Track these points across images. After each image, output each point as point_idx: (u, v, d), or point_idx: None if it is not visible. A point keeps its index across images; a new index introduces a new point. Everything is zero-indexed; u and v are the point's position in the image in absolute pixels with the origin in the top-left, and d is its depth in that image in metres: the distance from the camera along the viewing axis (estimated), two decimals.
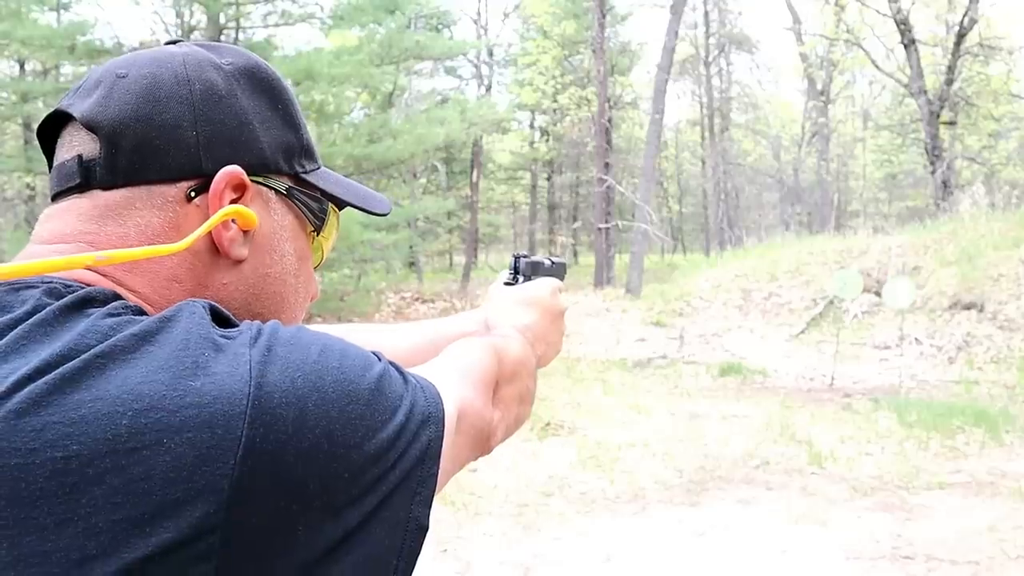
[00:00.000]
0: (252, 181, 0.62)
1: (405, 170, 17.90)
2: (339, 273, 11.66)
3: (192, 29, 13.92)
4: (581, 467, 5.92)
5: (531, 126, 31.28)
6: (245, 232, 0.62)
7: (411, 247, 15.42)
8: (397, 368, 0.59)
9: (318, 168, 0.70)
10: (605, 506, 5.18)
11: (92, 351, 0.49)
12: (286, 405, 0.49)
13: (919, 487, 5.43)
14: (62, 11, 14.11)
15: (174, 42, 0.67)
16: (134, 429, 0.46)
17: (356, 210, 0.74)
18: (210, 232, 0.60)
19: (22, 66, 17.87)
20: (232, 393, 0.48)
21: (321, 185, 0.68)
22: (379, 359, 0.57)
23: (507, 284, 1.00)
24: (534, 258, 1.04)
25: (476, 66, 29.39)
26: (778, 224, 28.64)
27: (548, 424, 6.92)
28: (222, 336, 0.52)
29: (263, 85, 0.66)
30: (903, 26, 18.76)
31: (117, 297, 0.57)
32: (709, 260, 19.51)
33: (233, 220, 0.61)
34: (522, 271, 1.02)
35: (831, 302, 12.01)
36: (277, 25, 12.32)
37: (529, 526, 4.82)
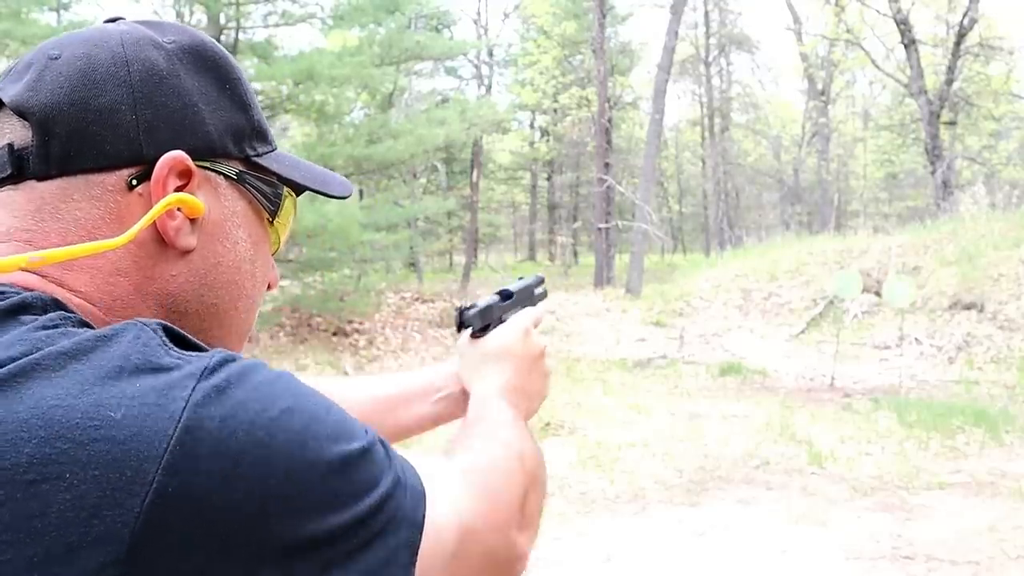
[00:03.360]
0: (198, 166, 0.58)
1: (405, 170, 17.89)
2: (339, 273, 11.64)
3: None
4: (581, 467, 5.92)
5: (531, 126, 31.28)
6: (192, 220, 0.58)
7: (411, 247, 15.41)
8: (389, 454, 0.53)
9: (272, 151, 0.65)
10: (605, 506, 5.18)
11: (10, 367, 0.45)
12: (216, 456, 0.43)
13: (919, 487, 5.43)
14: (62, 11, 14.11)
15: (113, 20, 0.62)
16: (36, 459, 0.41)
17: (317, 194, 0.69)
18: (154, 222, 0.56)
19: None
20: (154, 431, 0.43)
21: (275, 168, 0.64)
22: (366, 435, 0.51)
23: (474, 336, 0.90)
24: (481, 304, 0.91)
25: (476, 66, 29.40)
26: (778, 224, 28.65)
27: (548, 424, 6.92)
28: (170, 361, 0.47)
29: (209, 64, 0.61)
30: (903, 26, 18.76)
31: (57, 305, 0.52)
32: (709, 260, 19.52)
33: (178, 209, 0.57)
34: (472, 323, 0.90)
35: (831, 302, 12.01)
36: (278, 25, 12.32)
37: None
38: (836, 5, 21.35)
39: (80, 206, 0.55)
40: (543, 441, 6.58)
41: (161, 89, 0.57)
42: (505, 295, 0.96)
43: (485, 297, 0.94)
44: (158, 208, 0.55)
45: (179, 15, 14.56)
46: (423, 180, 24.51)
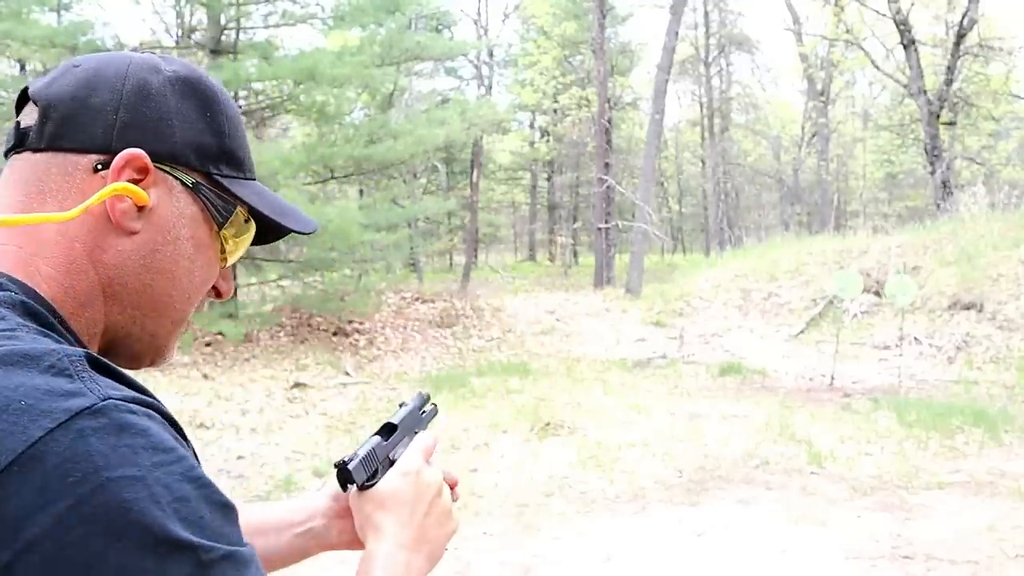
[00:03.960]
0: (157, 167, 0.69)
1: (405, 170, 17.89)
2: (339, 273, 11.64)
3: (193, 29, 13.92)
4: (581, 467, 5.92)
5: (531, 126, 31.29)
6: (141, 209, 0.68)
7: (411, 247, 15.41)
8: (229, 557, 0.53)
9: (242, 178, 0.76)
10: (605, 506, 5.19)
11: None
12: (40, 491, 0.48)
13: (919, 487, 5.44)
14: (63, 11, 14.10)
15: (136, 50, 0.78)
16: None
17: (274, 229, 0.79)
18: (105, 203, 0.67)
19: (22, 66, 17.88)
20: (5, 445, 0.49)
21: (235, 189, 0.74)
22: (221, 542, 0.53)
23: (362, 488, 0.84)
24: (362, 452, 0.85)
25: (476, 67, 29.41)
26: (778, 224, 28.65)
27: (548, 424, 6.93)
28: (71, 386, 0.53)
29: (197, 94, 0.73)
30: (903, 26, 18.76)
31: (23, 303, 0.61)
32: (709, 260, 19.52)
33: (128, 196, 0.67)
34: (356, 477, 0.83)
35: (831, 302, 12.02)
36: (278, 26, 12.32)
37: (529, 526, 4.82)
38: (836, 5, 21.35)
39: (55, 179, 0.67)
40: (543, 441, 6.59)
41: (145, 102, 0.70)
42: (388, 430, 0.90)
43: (366, 442, 0.87)
44: (103, 192, 0.66)
45: (179, 15, 14.55)
46: (423, 180, 24.51)
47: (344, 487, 0.84)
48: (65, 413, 0.50)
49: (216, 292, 0.79)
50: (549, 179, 31.78)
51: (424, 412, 0.99)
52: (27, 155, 0.68)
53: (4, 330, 0.57)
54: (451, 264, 26.66)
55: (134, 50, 0.78)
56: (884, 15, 20.34)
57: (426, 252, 20.68)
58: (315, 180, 12.11)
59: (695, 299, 13.54)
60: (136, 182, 0.68)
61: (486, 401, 7.99)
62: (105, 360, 0.58)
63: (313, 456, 6.33)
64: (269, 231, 0.80)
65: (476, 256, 23.98)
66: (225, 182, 0.74)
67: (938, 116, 18.76)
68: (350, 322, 11.31)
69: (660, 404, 8.00)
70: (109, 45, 10.49)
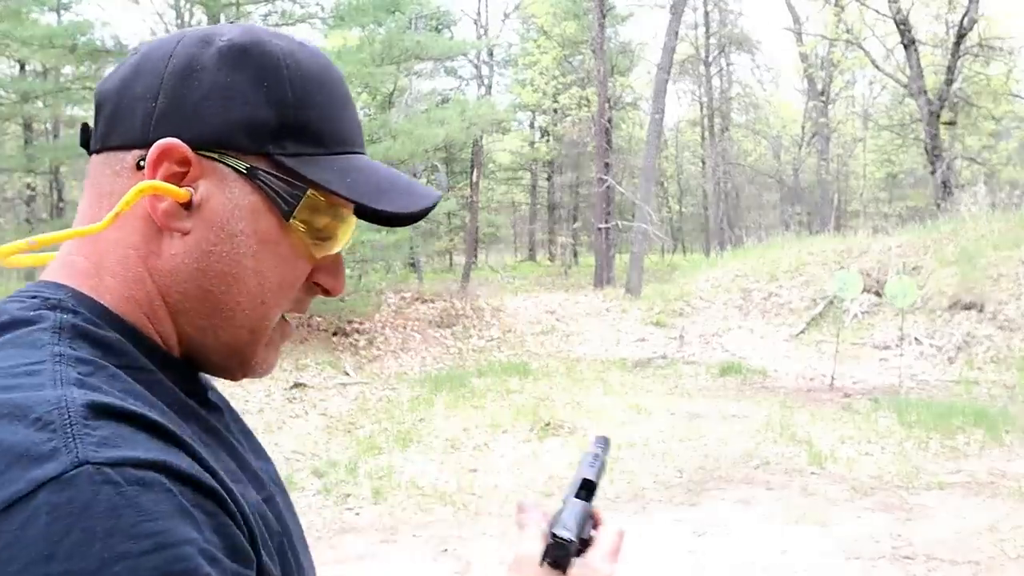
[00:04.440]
0: (202, 155, 0.60)
1: (405, 170, 17.91)
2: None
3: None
4: None
5: (531, 126, 31.29)
6: (188, 206, 0.60)
7: (411, 247, 15.41)
8: None
9: (322, 153, 0.64)
10: (605, 506, 5.17)
11: None
12: None
13: (919, 487, 5.43)
14: (62, 11, 14.11)
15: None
16: None
17: (365, 214, 0.67)
18: (147, 204, 0.60)
19: (22, 66, 17.87)
20: None
21: (302, 170, 0.62)
22: None
23: (554, 564, 0.74)
24: (570, 520, 0.76)
25: (476, 66, 29.40)
26: (778, 224, 28.63)
27: (548, 424, 6.92)
28: (40, 447, 0.46)
29: (252, 61, 0.62)
30: (903, 26, 18.76)
31: (74, 320, 0.57)
32: (709, 260, 19.51)
33: (163, 194, 0.60)
34: (567, 552, 0.74)
35: (831, 302, 12.01)
36: (278, 25, 12.33)
37: None
38: (836, 5, 21.35)
39: (108, 179, 0.62)
40: (543, 441, 6.58)
41: (185, 82, 0.61)
42: (587, 488, 0.81)
43: (569, 505, 0.78)
44: (129, 194, 0.59)
45: (179, 15, 14.56)
46: (423, 180, 24.51)
47: (557, 564, 0.73)
48: (28, 484, 0.43)
49: (323, 290, 0.68)
50: (549, 179, 31.78)
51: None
52: (92, 158, 0.64)
53: (26, 364, 0.51)
54: (451, 264, 26.65)
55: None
56: (884, 15, 20.34)
57: (426, 252, 20.68)
58: None
59: (695, 299, 13.53)
60: (182, 176, 0.60)
61: (486, 401, 7.98)
62: (123, 406, 0.50)
63: (313, 456, 6.33)
64: (371, 214, 0.67)
65: (476, 256, 23.97)
66: (290, 162, 0.62)
67: (938, 116, 18.76)
68: (350, 322, 11.31)
69: (660, 404, 7.99)
70: (109, 45, 10.49)
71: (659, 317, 12.97)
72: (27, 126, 19.48)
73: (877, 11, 21.02)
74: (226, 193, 0.61)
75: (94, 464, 0.45)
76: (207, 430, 0.61)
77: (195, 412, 0.61)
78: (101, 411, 0.48)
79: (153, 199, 0.60)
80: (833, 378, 9.37)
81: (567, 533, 0.73)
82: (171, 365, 0.62)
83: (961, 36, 18.83)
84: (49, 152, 13.18)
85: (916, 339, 10.56)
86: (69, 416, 0.47)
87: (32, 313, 0.57)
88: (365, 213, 0.67)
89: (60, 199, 21.05)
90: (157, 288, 0.61)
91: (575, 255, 29.52)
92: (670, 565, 4.25)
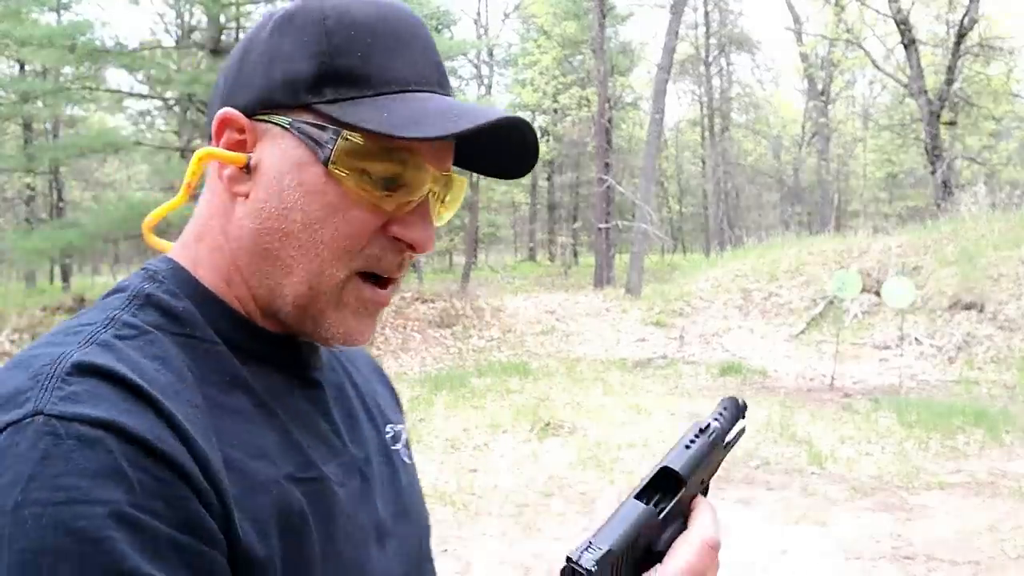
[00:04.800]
0: (255, 119, 0.63)
1: None
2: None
3: (192, 29, 13.92)
4: (581, 467, 5.92)
5: None
6: (248, 169, 0.63)
7: None
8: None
9: (369, 95, 0.62)
10: (605, 506, 5.18)
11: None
12: None
13: (919, 487, 5.43)
14: (62, 11, 14.10)
15: None
16: None
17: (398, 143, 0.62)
18: (218, 174, 0.65)
19: (22, 66, 17.88)
20: None
21: (338, 113, 0.61)
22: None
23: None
24: (604, 544, 0.56)
25: (476, 66, 29.42)
26: (778, 224, 28.63)
27: (548, 424, 6.92)
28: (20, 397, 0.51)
29: (296, 21, 0.63)
30: (903, 26, 18.76)
31: (146, 279, 0.64)
32: (709, 260, 19.51)
33: (220, 160, 0.64)
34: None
35: (831, 302, 12.01)
36: None
37: (529, 526, 4.82)
38: (836, 5, 21.35)
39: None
40: (543, 441, 6.58)
41: (245, 56, 0.65)
42: (659, 484, 0.59)
43: (619, 512, 0.57)
44: (191, 165, 0.64)
45: (179, 15, 14.55)
46: None
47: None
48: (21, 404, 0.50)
49: (407, 245, 0.65)
50: (549, 179, 31.78)
51: (731, 435, 0.63)
52: None
53: (80, 325, 0.58)
54: (451, 264, 26.64)
55: None
56: (884, 15, 20.34)
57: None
58: None
59: (695, 299, 13.53)
60: (243, 143, 0.63)
61: (486, 401, 7.98)
62: (93, 362, 0.53)
63: None
64: (410, 147, 0.63)
65: (476, 256, 23.97)
66: (328, 108, 0.61)
67: (939, 116, 18.76)
68: None
69: (660, 404, 7.99)
70: (109, 45, 10.49)
71: (659, 317, 12.97)
72: (27, 126, 19.48)
73: (877, 11, 21.03)
74: (276, 151, 0.63)
75: (47, 415, 0.49)
76: (258, 404, 0.63)
77: (246, 384, 0.63)
78: (87, 370, 0.52)
79: (220, 167, 0.64)
80: (833, 378, 9.37)
81: (587, 560, 0.54)
82: (258, 336, 0.66)
83: (961, 36, 18.83)
84: (49, 152, 13.17)
85: (916, 339, 10.56)
86: (54, 371, 0.51)
87: (126, 282, 0.64)
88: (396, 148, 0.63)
89: (60, 199, 21.05)
90: (231, 254, 0.65)
91: (575, 255, 29.53)
92: None
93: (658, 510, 0.58)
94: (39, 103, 13.14)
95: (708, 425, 0.62)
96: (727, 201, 31.22)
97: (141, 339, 0.58)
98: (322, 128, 0.62)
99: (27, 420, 0.48)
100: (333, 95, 0.62)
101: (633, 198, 18.61)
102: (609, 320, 13.21)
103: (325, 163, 0.61)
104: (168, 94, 12.04)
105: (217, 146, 0.63)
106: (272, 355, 0.66)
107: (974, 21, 18.77)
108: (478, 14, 31.42)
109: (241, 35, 11.91)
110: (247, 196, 0.63)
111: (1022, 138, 27.54)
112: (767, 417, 7.34)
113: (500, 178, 0.70)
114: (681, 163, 37.01)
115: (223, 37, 11.35)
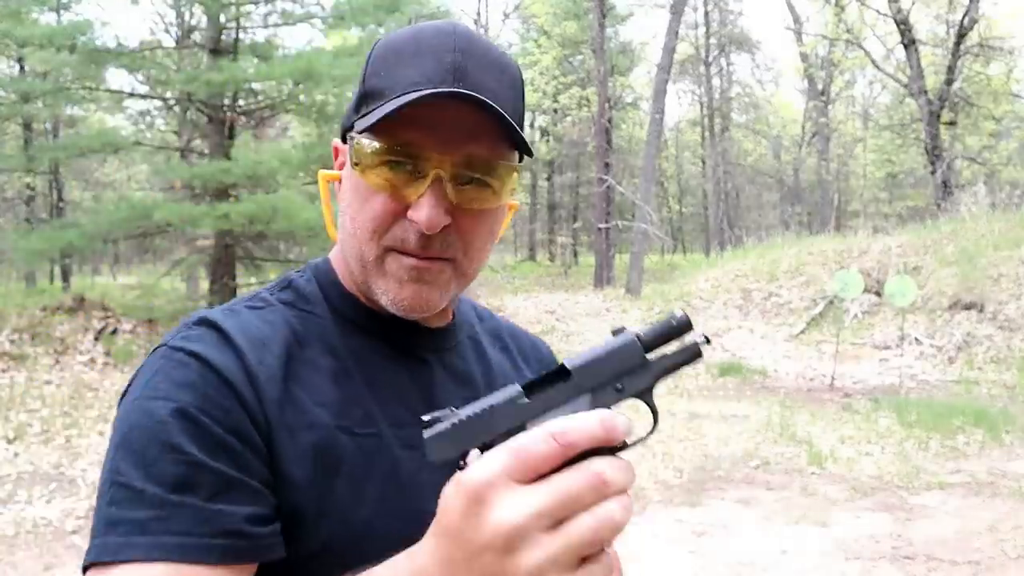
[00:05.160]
0: (344, 144, 0.79)
1: None
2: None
3: (192, 29, 13.92)
4: None
5: (531, 126, 31.27)
6: (341, 181, 0.81)
7: None
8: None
9: (379, 105, 0.72)
10: None
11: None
12: None
13: (919, 487, 5.43)
14: (62, 11, 14.09)
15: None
16: None
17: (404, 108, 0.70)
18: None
19: (22, 66, 17.88)
20: None
21: (360, 124, 0.75)
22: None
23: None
24: (462, 414, 0.56)
25: None
26: (778, 224, 28.63)
27: None
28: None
29: (367, 54, 0.78)
30: (903, 26, 18.76)
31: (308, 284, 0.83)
32: (709, 260, 19.51)
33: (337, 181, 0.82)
34: (432, 453, 0.56)
35: (831, 302, 12.01)
36: (278, 25, 12.32)
37: None
38: (836, 5, 21.35)
39: None
40: None
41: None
42: (553, 379, 0.56)
43: (495, 395, 0.56)
44: (320, 186, 0.85)
45: (179, 15, 14.54)
46: None
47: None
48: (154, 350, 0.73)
49: (417, 225, 0.72)
50: (549, 179, 31.78)
51: (665, 354, 0.58)
52: None
53: (245, 299, 0.80)
54: None
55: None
56: (884, 15, 20.34)
57: None
58: (315, 180, 12.10)
59: (695, 299, 13.53)
60: (342, 164, 0.80)
61: None
62: (211, 318, 0.74)
63: None
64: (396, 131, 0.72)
65: None
66: (359, 121, 0.75)
67: (939, 116, 18.76)
68: None
69: (659, 404, 7.97)
70: (110, 45, 10.48)
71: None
72: (27, 126, 19.46)
73: (877, 11, 21.03)
74: (346, 164, 0.78)
75: (168, 347, 0.71)
76: (340, 366, 0.77)
77: (336, 349, 0.77)
78: (203, 322, 0.74)
79: (338, 184, 0.81)
80: (833, 378, 9.37)
81: (430, 432, 0.55)
82: (360, 311, 0.80)
83: (961, 36, 18.83)
84: (49, 152, 13.15)
85: (916, 339, 10.56)
86: (188, 322, 0.75)
87: (291, 272, 0.84)
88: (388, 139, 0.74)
89: (60, 199, 21.04)
90: (341, 245, 0.81)
91: (575, 255, 29.52)
92: (671, 565, 4.24)
93: (527, 397, 0.55)
94: (39, 103, 13.13)
95: (622, 328, 0.59)
96: (727, 201, 31.22)
97: (265, 309, 0.78)
98: (352, 139, 0.75)
99: (160, 348, 0.72)
100: (364, 110, 0.75)
101: (633, 198, 18.61)
102: (609, 320, 13.21)
103: (354, 165, 0.75)
104: (168, 94, 12.03)
105: (335, 167, 0.82)
106: (378, 330, 0.81)
107: (974, 21, 18.77)
108: (478, 14, 31.36)
109: (241, 35, 11.93)
110: (340, 201, 0.80)
111: (1022, 138, 27.53)
112: (767, 417, 7.34)
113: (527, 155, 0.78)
114: (681, 163, 37.01)
115: (223, 37, 11.34)
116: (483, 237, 0.78)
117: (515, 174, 0.76)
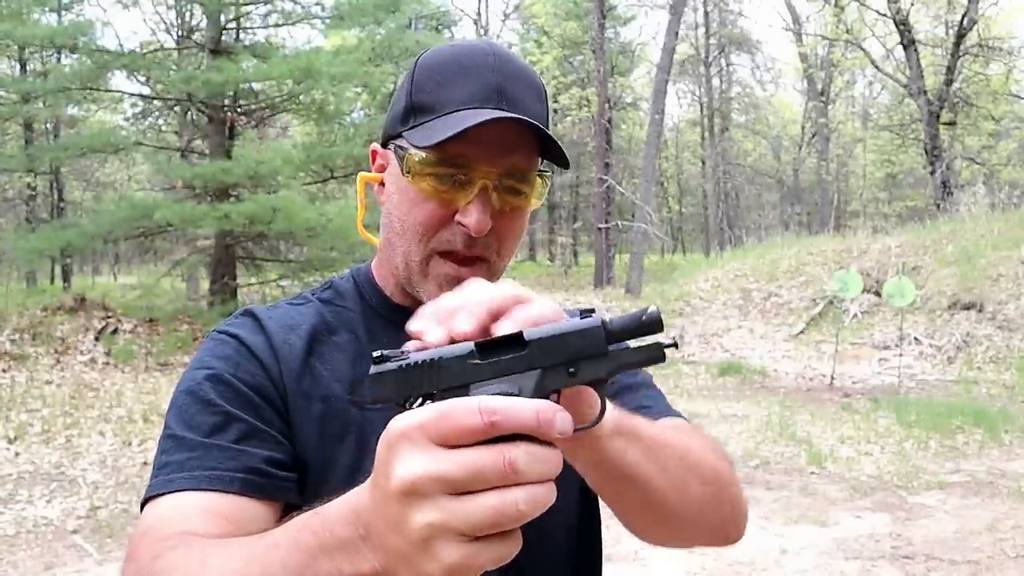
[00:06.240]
0: (385, 148, 0.88)
1: None
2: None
3: (192, 29, 13.92)
4: None
5: None
6: (382, 184, 0.90)
7: None
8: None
9: (430, 119, 0.82)
10: (604, 506, 5.18)
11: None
12: None
13: (919, 487, 5.43)
14: (63, 11, 14.09)
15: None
16: None
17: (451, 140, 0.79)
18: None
19: (23, 66, 17.89)
20: None
21: (410, 135, 0.83)
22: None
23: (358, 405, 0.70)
24: (402, 361, 0.57)
25: None
26: (778, 224, 28.64)
27: None
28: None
29: (409, 69, 0.88)
30: (903, 26, 18.76)
31: (347, 286, 0.96)
32: (709, 260, 19.52)
33: (379, 183, 0.91)
34: (360, 395, 0.60)
35: (831, 302, 12.01)
36: (278, 25, 12.33)
37: None
38: (836, 5, 21.35)
39: None
40: None
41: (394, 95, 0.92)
42: (508, 344, 0.55)
43: (446, 349, 0.56)
44: (358, 187, 0.96)
45: (179, 15, 14.54)
46: None
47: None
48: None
49: (464, 228, 0.82)
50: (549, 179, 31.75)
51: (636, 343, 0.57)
52: None
53: (289, 297, 0.96)
54: None
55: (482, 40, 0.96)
56: (884, 15, 20.34)
57: None
58: (315, 180, 12.11)
59: (695, 299, 13.54)
60: (382, 167, 0.90)
61: None
62: (253, 310, 0.90)
63: None
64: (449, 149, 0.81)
65: None
66: (409, 133, 0.83)
67: (938, 116, 18.76)
68: None
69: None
70: (110, 46, 10.49)
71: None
72: (28, 126, 19.47)
73: (877, 11, 21.02)
74: (391, 168, 0.87)
75: (217, 331, 0.89)
76: (361, 349, 0.88)
77: (359, 336, 0.90)
78: (246, 313, 0.90)
79: (377, 185, 0.91)
80: (833, 378, 9.37)
81: (372, 370, 0.56)
82: (387, 305, 0.92)
83: (961, 36, 18.84)
84: (49, 152, 13.16)
85: (916, 339, 10.56)
86: (236, 313, 0.91)
87: (335, 276, 0.99)
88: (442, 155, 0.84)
89: (60, 199, 21.06)
90: (382, 245, 0.91)
91: (575, 255, 29.53)
92: (670, 565, 4.25)
93: (478, 357, 0.54)
94: (39, 103, 13.14)
95: (592, 311, 0.58)
96: (727, 201, 31.23)
97: (303, 305, 0.92)
98: (403, 148, 0.83)
99: (213, 332, 0.89)
100: (413, 122, 0.84)
101: (633, 198, 18.62)
102: None
103: (404, 172, 0.83)
104: (168, 95, 12.04)
105: (374, 170, 0.91)
106: (403, 322, 0.78)
107: (973, 21, 18.78)
108: (478, 14, 31.36)
109: (241, 35, 11.94)
110: (384, 203, 0.89)
111: (1021, 138, 27.53)
112: (767, 417, 7.34)
113: (564, 168, 0.86)
114: (681, 163, 37.01)
115: (223, 37, 11.35)
116: (515, 237, 0.88)
117: (546, 179, 0.87)
